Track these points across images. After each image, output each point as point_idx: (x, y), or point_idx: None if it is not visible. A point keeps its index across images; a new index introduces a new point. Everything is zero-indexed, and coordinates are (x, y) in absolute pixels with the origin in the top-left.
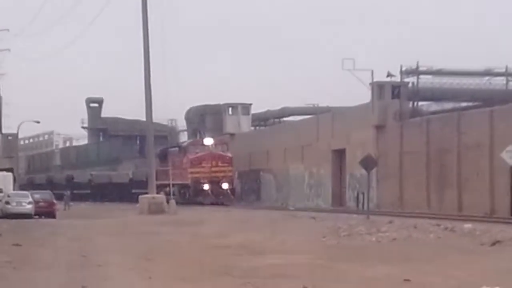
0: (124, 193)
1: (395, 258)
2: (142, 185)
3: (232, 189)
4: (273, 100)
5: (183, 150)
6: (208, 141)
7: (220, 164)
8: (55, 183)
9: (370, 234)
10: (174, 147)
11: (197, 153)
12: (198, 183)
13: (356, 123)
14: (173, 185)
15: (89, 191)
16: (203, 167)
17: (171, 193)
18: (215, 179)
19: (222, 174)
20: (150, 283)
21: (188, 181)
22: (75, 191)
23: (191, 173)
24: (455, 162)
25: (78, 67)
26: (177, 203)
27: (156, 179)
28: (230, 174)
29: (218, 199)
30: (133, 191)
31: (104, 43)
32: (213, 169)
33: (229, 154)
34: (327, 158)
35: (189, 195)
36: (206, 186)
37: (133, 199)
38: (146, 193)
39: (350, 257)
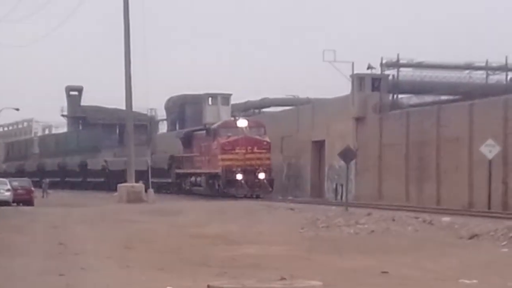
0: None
1: (373, 250)
2: (162, 173)
3: (270, 180)
4: (254, 91)
5: (212, 133)
6: (243, 122)
7: (256, 150)
8: (68, 170)
9: (348, 226)
10: (201, 129)
11: (229, 136)
12: (230, 172)
13: (336, 115)
14: (200, 174)
15: (102, 179)
16: (236, 153)
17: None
18: (250, 167)
19: (258, 162)
20: (127, 271)
21: (219, 170)
22: (88, 179)
23: (222, 160)
24: (434, 155)
25: (58, 54)
26: (205, 195)
27: (180, 167)
28: (268, 162)
29: (254, 191)
30: (152, 179)
31: (85, 32)
32: (248, 156)
33: (267, 139)
34: (306, 149)
35: (219, 186)
36: (239, 176)
37: (153, 188)
38: (166, 182)
39: (328, 249)
